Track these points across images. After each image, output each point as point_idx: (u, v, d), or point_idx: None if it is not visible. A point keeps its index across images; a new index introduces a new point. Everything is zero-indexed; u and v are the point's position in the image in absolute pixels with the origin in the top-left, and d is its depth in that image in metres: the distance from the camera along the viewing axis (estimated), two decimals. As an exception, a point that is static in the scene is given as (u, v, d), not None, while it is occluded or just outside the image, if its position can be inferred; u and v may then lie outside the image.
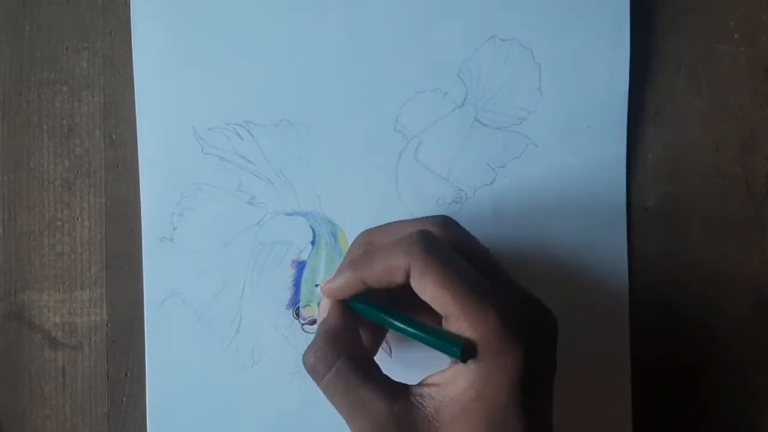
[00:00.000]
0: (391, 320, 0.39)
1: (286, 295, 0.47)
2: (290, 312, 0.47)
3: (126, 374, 0.47)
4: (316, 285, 0.47)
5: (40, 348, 0.47)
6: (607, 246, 0.47)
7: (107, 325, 0.47)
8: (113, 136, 0.47)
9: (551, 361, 0.39)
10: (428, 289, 0.37)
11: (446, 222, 0.41)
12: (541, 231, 0.47)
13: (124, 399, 0.47)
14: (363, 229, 0.45)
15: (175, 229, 0.46)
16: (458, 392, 0.36)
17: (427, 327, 0.38)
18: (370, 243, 0.42)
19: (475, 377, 0.36)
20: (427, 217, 0.41)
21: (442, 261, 0.37)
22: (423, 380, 0.38)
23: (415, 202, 0.47)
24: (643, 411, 0.47)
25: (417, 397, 0.37)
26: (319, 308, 0.42)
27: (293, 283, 0.47)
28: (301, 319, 0.47)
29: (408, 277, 0.37)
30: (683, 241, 0.48)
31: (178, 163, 0.46)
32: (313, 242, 0.47)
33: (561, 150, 0.47)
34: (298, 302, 0.47)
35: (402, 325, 0.38)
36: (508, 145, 0.47)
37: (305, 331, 0.47)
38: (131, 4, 0.46)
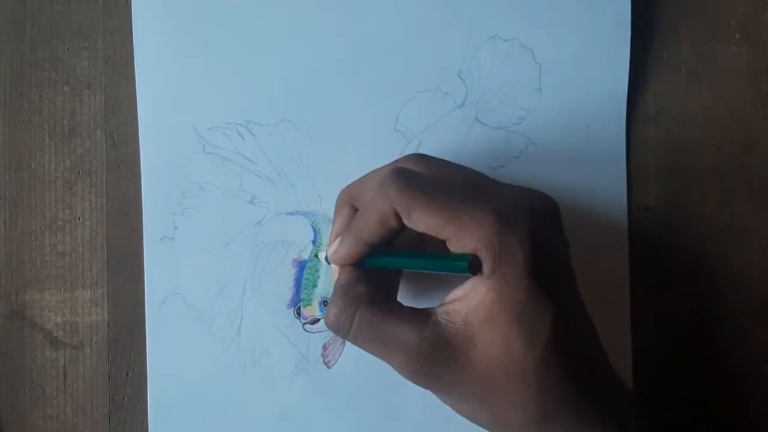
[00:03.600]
0: (396, 259, 0.40)
1: (287, 294, 0.47)
2: (291, 311, 0.47)
3: (127, 374, 0.47)
4: (325, 303, 0.47)
5: (42, 348, 0.47)
6: (608, 246, 0.47)
7: (108, 324, 0.47)
8: (114, 136, 0.47)
9: (562, 241, 0.39)
10: (421, 222, 0.37)
11: (418, 157, 0.41)
12: (542, 231, 0.47)
13: (126, 399, 0.47)
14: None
15: (176, 228, 0.46)
16: (480, 298, 0.36)
17: (431, 254, 0.38)
18: (352, 198, 0.42)
19: (492, 280, 0.36)
20: (398, 159, 0.42)
21: (422, 189, 0.37)
22: (444, 300, 0.38)
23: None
24: (644, 411, 0.47)
25: (443, 316, 0.37)
26: (331, 272, 0.42)
27: (294, 282, 0.47)
28: (302, 319, 0.47)
29: (400, 219, 0.38)
30: (683, 241, 0.48)
31: (179, 162, 0.46)
32: (314, 242, 0.47)
33: (561, 150, 0.47)
34: (299, 302, 0.47)
35: (407, 260, 0.39)
36: (509, 145, 0.47)
37: (306, 331, 0.47)
38: (132, 4, 0.46)
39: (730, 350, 0.48)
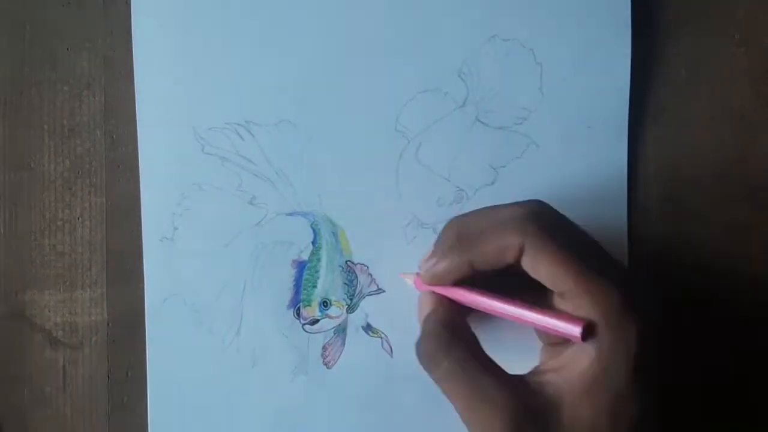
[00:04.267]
0: (504, 306, 0.38)
1: (287, 295, 0.47)
2: (291, 312, 0.47)
3: (127, 374, 0.47)
4: (325, 303, 0.47)
5: (41, 348, 0.47)
6: (608, 246, 0.47)
7: (108, 324, 0.47)
8: (114, 136, 0.47)
9: (657, 331, 0.38)
10: (544, 267, 0.36)
11: (541, 203, 0.40)
12: (542, 231, 0.47)
13: (125, 399, 0.47)
14: (363, 229, 0.45)
15: (175, 229, 0.46)
16: (580, 372, 0.36)
17: (542, 309, 0.37)
18: (464, 227, 0.40)
19: (599, 354, 0.35)
20: (518, 201, 0.40)
21: (559, 236, 0.37)
22: (536, 368, 0.38)
23: (416, 201, 0.47)
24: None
25: (536, 385, 0.37)
26: (418, 303, 0.41)
27: (294, 283, 0.47)
28: (301, 320, 0.47)
29: (519, 255, 0.37)
30: (683, 241, 0.48)
31: (178, 162, 0.46)
32: (313, 242, 0.47)
33: (562, 150, 0.47)
34: (299, 302, 0.47)
35: (517, 310, 0.38)
36: (509, 145, 0.47)
37: (306, 331, 0.47)
38: (132, 4, 0.46)
39: (730, 351, 0.48)
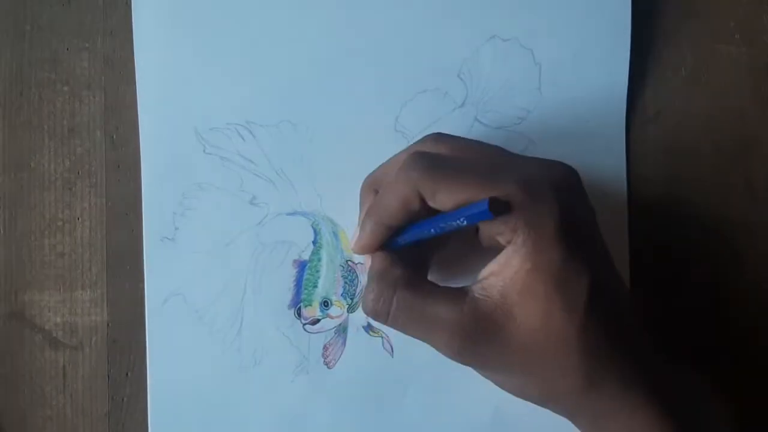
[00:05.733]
0: (420, 229, 0.39)
1: (288, 295, 0.47)
2: (292, 312, 0.47)
3: (127, 374, 0.47)
4: (325, 303, 0.47)
5: (41, 348, 0.47)
6: (608, 246, 0.47)
7: (108, 325, 0.47)
8: (114, 137, 0.47)
9: (588, 207, 0.39)
10: (448, 200, 0.37)
11: (436, 137, 0.41)
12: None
13: (125, 399, 0.47)
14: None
15: (176, 229, 0.46)
16: (515, 269, 0.36)
17: (452, 212, 0.37)
18: (375, 185, 0.42)
19: (525, 249, 0.36)
20: (416, 142, 0.42)
21: (445, 170, 0.37)
22: (479, 277, 0.38)
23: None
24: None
25: (480, 292, 0.37)
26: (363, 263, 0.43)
27: (295, 283, 0.47)
28: (302, 319, 0.47)
29: (424, 201, 0.38)
30: (683, 241, 0.48)
31: (179, 163, 0.46)
32: (314, 242, 0.47)
33: (561, 150, 0.47)
34: (300, 302, 0.47)
35: (431, 224, 0.38)
36: (508, 145, 0.46)
37: (307, 331, 0.47)
38: (132, 4, 0.46)
39: (730, 351, 0.48)
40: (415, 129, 0.47)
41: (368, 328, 0.47)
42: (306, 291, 0.47)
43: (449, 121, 0.47)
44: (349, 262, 0.47)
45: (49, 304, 0.47)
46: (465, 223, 0.37)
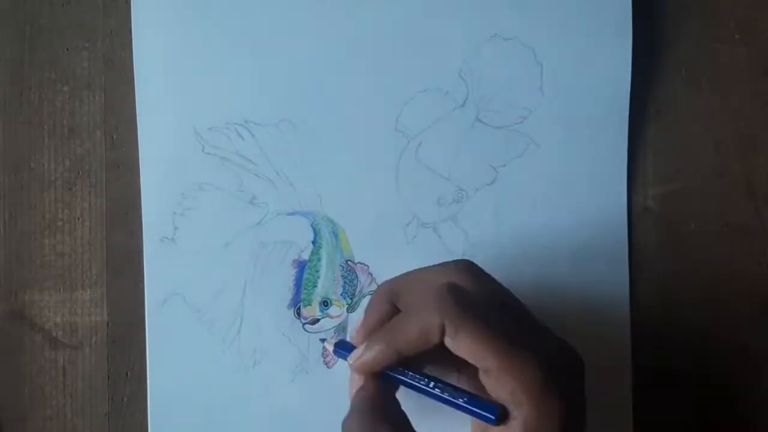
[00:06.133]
0: (426, 388, 0.38)
1: (287, 295, 0.47)
2: (291, 312, 0.47)
3: (127, 374, 0.47)
4: (325, 303, 0.47)
5: (41, 348, 0.47)
6: (608, 245, 0.48)
7: (108, 325, 0.47)
8: (114, 137, 0.47)
9: (582, 404, 0.38)
10: (465, 345, 0.36)
11: (470, 268, 0.40)
12: (542, 230, 0.47)
13: (125, 399, 0.47)
14: (363, 228, 0.45)
15: (176, 229, 0.46)
16: None
17: (460, 392, 0.37)
18: (393, 295, 0.41)
19: (524, 425, 0.35)
20: (448, 264, 0.40)
21: (475, 315, 0.36)
22: None
23: (416, 201, 0.47)
24: (644, 412, 0.47)
25: None
26: (350, 380, 0.41)
27: (294, 282, 0.47)
28: (302, 319, 0.47)
29: (442, 336, 0.36)
30: (683, 241, 0.48)
31: (178, 163, 0.46)
32: (314, 242, 0.47)
33: (562, 149, 0.47)
34: (299, 302, 0.47)
35: (438, 392, 0.38)
36: (509, 145, 0.47)
37: (306, 331, 0.47)
38: (132, 5, 0.46)
39: (729, 350, 0.48)
40: (416, 128, 0.47)
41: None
42: (305, 291, 0.47)
43: (450, 120, 0.47)
44: (349, 262, 0.47)
45: (49, 304, 0.47)
46: (466, 409, 0.37)
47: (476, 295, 0.38)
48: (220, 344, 0.46)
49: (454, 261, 0.40)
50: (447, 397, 0.37)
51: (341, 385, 0.46)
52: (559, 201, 0.47)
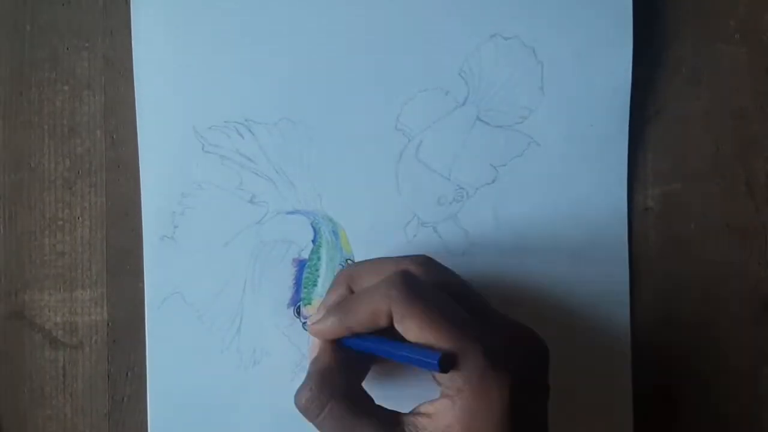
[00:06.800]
0: (374, 344, 0.40)
1: (287, 293, 0.47)
2: (291, 311, 0.47)
3: (127, 374, 0.47)
4: (314, 294, 0.47)
5: (41, 348, 0.47)
6: (608, 245, 0.47)
7: (108, 324, 0.47)
8: (114, 136, 0.47)
9: (542, 388, 0.40)
10: (411, 331, 0.37)
11: (425, 261, 0.41)
12: (542, 230, 0.47)
13: (125, 398, 0.47)
14: (363, 227, 0.46)
15: (176, 228, 0.46)
16: (446, 424, 0.37)
17: (408, 346, 0.38)
18: (351, 279, 0.42)
19: (461, 413, 0.36)
20: (406, 256, 0.42)
21: (423, 302, 0.38)
22: (416, 408, 0.39)
23: (416, 200, 0.47)
24: (644, 413, 0.47)
25: (410, 427, 0.38)
26: (309, 345, 0.42)
27: (294, 281, 0.47)
28: (302, 318, 0.47)
29: (391, 320, 0.38)
30: (683, 241, 0.48)
31: (178, 161, 0.46)
32: (314, 241, 0.47)
33: (562, 149, 0.47)
34: (299, 301, 0.47)
35: (385, 347, 0.39)
36: (510, 144, 0.47)
37: (306, 330, 0.46)
38: (131, 4, 0.46)
39: (729, 350, 0.48)
40: (416, 128, 0.47)
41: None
42: (305, 290, 0.47)
43: (450, 120, 0.47)
44: (349, 261, 0.47)
45: (49, 304, 0.47)
46: (414, 364, 0.37)
47: (427, 283, 0.40)
48: (220, 343, 0.46)
49: (413, 254, 0.43)
50: (396, 349, 0.38)
51: (341, 384, 0.46)
52: (559, 201, 0.47)
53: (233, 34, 0.46)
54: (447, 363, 0.36)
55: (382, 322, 0.39)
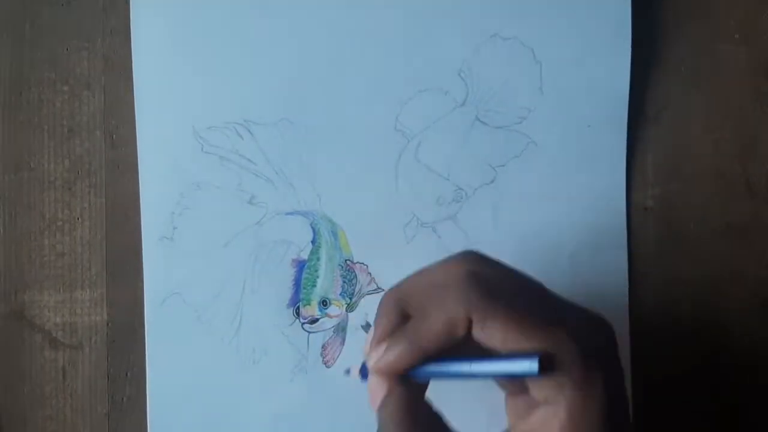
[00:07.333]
0: (457, 369, 0.35)
1: (287, 294, 0.47)
2: (290, 311, 0.47)
3: (126, 374, 0.47)
4: (324, 302, 0.47)
5: (41, 348, 0.47)
6: (607, 246, 0.47)
7: (107, 325, 0.47)
8: (113, 136, 0.47)
9: (621, 377, 0.36)
10: (495, 335, 0.33)
11: (478, 258, 0.37)
12: (541, 230, 0.47)
13: (125, 399, 0.47)
14: (363, 228, 0.46)
15: (175, 228, 0.46)
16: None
17: (493, 359, 0.34)
18: (401, 301, 0.37)
19: (567, 416, 0.33)
20: (451, 257, 0.37)
21: (503, 302, 0.34)
22: (510, 427, 0.36)
23: (416, 200, 0.47)
24: (644, 412, 0.47)
25: None
26: (370, 391, 0.37)
27: (293, 282, 0.47)
28: (301, 318, 0.47)
29: (469, 329, 0.34)
30: (683, 241, 0.48)
31: (178, 162, 0.46)
32: (313, 241, 0.47)
33: (561, 149, 0.47)
34: (299, 301, 0.47)
35: (471, 368, 0.35)
36: (509, 144, 0.47)
37: (305, 330, 0.47)
38: (131, 4, 0.46)
39: (729, 350, 0.48)
40: (416, 128, 0.47)
41: (367, 327, 0.47)
42: (305, 290, 0.47)
43: (450, 120, 0.47)
44: (348, 262, 0.47)
45: (49, 304, 0.47)
46: (502, 377, 0.34)
47: (494, 280, 0.35)
48: (220, 343, 0.46)
49: (458, 253, 0.37)
50: (484, 367, 0.34)
51: (340, 384, 0.46)
52: (559, 201, 0.47)
53: (233, 34, 0.47)
54: (547, 365, 0.32)
55: (460, 332, 0.34)
